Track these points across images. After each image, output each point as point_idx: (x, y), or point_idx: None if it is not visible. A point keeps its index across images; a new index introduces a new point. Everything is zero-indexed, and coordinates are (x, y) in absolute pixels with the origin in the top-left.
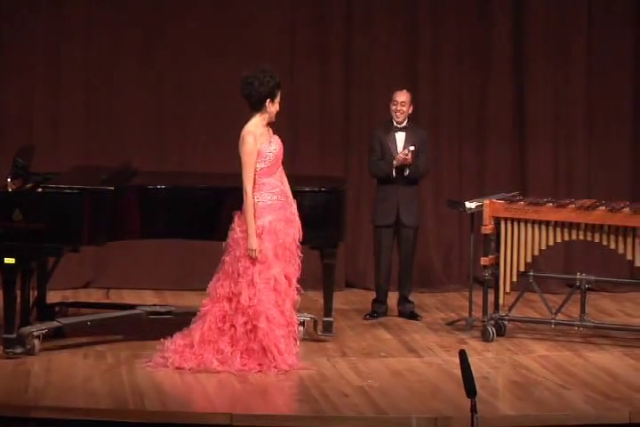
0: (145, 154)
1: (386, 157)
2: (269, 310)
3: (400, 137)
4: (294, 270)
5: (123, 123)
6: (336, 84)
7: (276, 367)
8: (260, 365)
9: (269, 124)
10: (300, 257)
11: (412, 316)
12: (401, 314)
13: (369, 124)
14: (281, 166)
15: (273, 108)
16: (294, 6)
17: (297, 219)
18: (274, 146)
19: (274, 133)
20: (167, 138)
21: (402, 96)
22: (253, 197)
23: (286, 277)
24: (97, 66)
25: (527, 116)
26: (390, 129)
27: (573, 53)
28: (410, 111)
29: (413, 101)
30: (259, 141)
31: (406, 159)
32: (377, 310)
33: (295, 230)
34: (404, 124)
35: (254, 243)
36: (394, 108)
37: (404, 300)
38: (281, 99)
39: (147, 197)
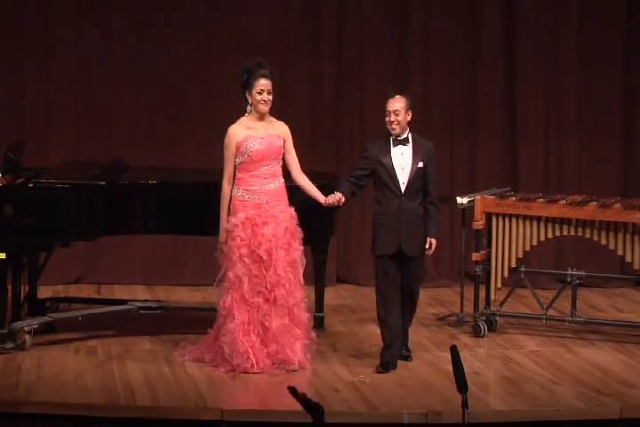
0: (136, 150)
1: (384, 179)
2: (230, 312)
3: (402, 152)
4: (273, 277)
5: (114, 119)
6: (327, 81)
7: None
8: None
9: (262, 118)
10: (282, 266)
11: (402, 357)
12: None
13: (360, 120)
14: (270, 166)
15: (252, 99)
16: (285, 3)
17: (283, 225)
18: (257, 144)
19: (274, 132)
20: (158, 134)
21: (394, 104)
22: (231, 191)
23: (266, 284)
24: (87, 62)
25: (518, 112)
26: (388, 143)
27: (564, 50)
28: (409, 119)
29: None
30: (241, 135)
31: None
32: (388, 361)
33: (271, 235)
34: (405, 135)
35: (222, 236)
36: (387, 119)
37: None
38: (273, 88)
39: (138, 192)
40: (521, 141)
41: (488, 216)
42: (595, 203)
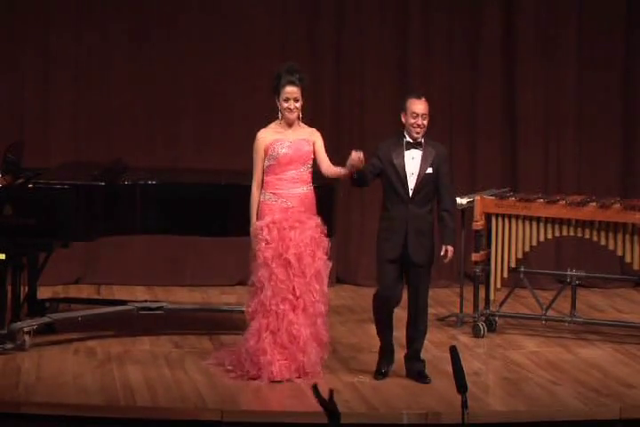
0: (135, 150)
1: (393, 182)
2: (252, 317)
3: (413, 156)
4: (303, 284)
5: (113, 119)
6: (327, 81)
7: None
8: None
9: (291, 125)
10: (312, 274)
11: (421, 377)
12: (408, 373)
13: (360, 120)
14: (294, 170)
15: (280, 106)
16: (284, 2)
17: (308, 232)
18: (284, 150)
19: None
20: (158, 134)
21: (422, 106)
22: (259, 196)
23: (294, 291)
24: (87, 62)
25: (518, 113)
26: (400, 145)
27: (564, 51)
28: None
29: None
30: (269, 138)
31: (358, 162)
32: (384, 369)
33: (299, 242)
34: (420, 138)
35: (253, 241)
36: (412, 121)
37: (413, 357)
38: (302, 93)
39: (138, 192)
40: (520, 142)
41: (487, 217)
42: (594, 203)
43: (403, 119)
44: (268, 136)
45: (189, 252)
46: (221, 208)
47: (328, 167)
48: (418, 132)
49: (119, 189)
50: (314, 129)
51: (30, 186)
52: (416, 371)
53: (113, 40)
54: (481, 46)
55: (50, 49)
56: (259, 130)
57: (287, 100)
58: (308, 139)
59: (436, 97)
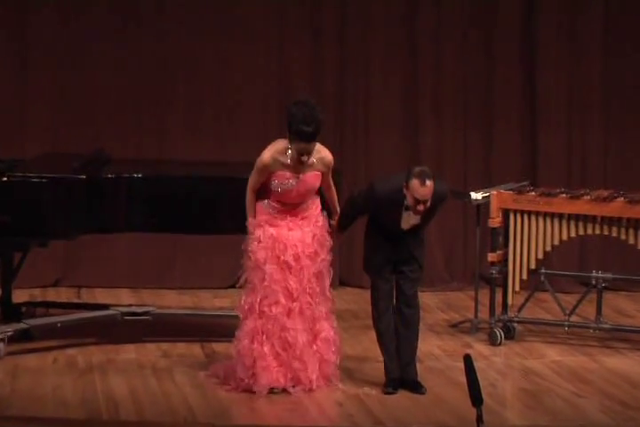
0: (120, 140)
1: (383, 228)
2: (244, 318)
3: (411, 215)
4: (299, 287)
5: (96, 106)
6: (329, 68)
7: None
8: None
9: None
10: (312, 272)
11: (416, 387)
12: (401, 382)
13: (364, 109)
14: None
15: (291, 148)
16: None
17: (308, 230)
18: (289, 184)
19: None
20: (145, 123)
21: (426, 192)
22: (255, 198)
23: (290, 294)
24: (67, 45)
25: (538, 100)
26: (399, 204)
27: (588, 33)
28: None
29: (414, 87)
30: (273, 169)
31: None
32: (394, 378)
33: (297, 240)
34: None
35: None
36: (413, 204)
37: (408, 363)
38: (301, 154)
39: (122, 187)
40: (541, 132)
41: (505, 213)
42: (622, 199)
43: (404, 191)
44: (274, 165)
45: (179, 251)
46: (214, 203)
47: (330, 197)
48: (418, 213)
49: (102, 182)
50: (328, 153)
51: (5, 179)
52: (410, 380)
53: (96, 20)
54: (497, 29)
55: (27, 30)
56: (254, 121)
57: (301, 153)
58: (319, 171)
59: (449, 83)
